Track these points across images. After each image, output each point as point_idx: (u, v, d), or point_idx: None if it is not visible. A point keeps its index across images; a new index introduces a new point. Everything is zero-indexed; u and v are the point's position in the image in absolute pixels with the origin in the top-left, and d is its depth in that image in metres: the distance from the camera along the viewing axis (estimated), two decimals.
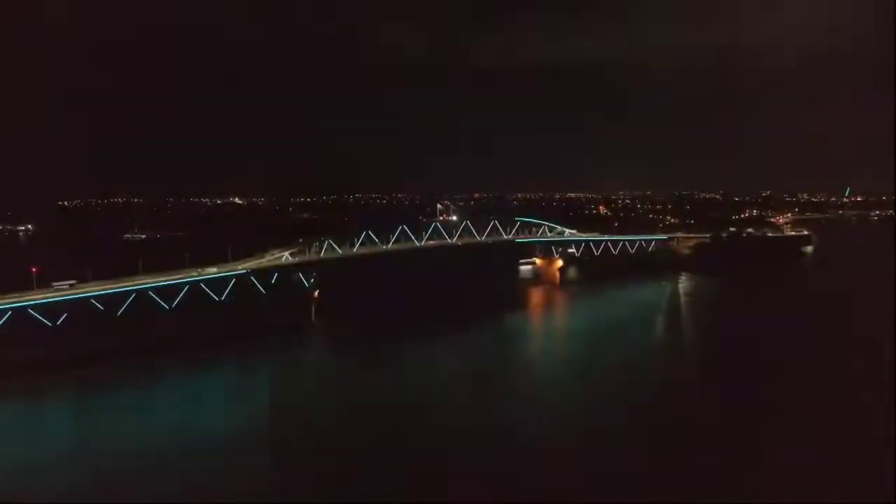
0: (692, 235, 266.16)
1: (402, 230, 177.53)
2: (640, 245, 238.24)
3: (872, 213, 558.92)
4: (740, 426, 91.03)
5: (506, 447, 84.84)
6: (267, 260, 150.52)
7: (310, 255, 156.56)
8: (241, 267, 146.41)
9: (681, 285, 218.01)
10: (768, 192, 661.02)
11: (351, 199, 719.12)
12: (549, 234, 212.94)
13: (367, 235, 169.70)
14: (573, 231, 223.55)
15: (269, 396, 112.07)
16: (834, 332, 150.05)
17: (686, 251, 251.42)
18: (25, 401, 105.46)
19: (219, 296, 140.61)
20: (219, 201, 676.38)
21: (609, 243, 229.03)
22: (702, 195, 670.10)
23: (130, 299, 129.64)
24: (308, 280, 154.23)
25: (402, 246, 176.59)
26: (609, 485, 72.67)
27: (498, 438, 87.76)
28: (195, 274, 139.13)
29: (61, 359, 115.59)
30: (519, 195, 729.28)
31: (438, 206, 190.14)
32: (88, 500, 70.58)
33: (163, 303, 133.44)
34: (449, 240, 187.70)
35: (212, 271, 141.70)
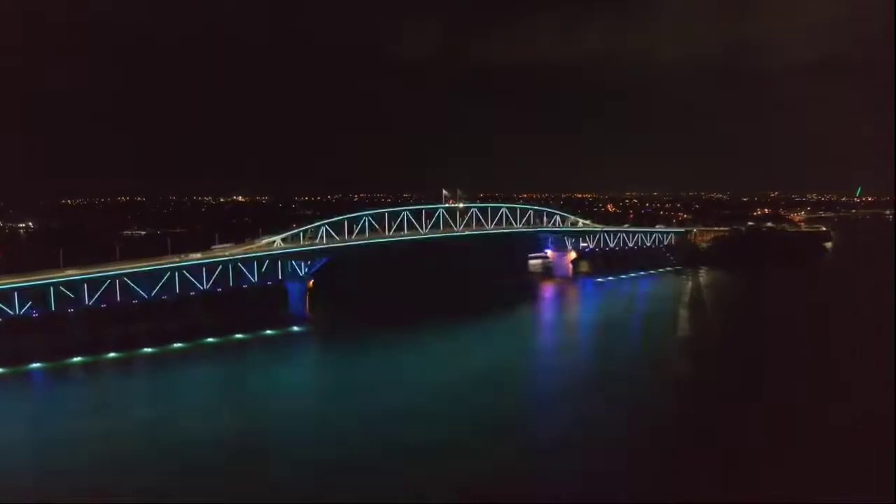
0: (710, 229, 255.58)
1: (406, 218, 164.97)
2: (657, 238, 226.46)
3: (886, 212, 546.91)
4: (741, 426, 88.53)
5: (506, 446, 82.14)
6: (257, 246, 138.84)
7: (304, 242, 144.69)
8: (229, 253, 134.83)
9: (701, 279, 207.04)
10: (776, 192, 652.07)
11: (355, 199, 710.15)
12: (561, 225, 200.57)
13: (368, 223, 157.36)
14: (587, 222, 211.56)
15: (261, 393, 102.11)
16: (850, 330, 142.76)
17: (704, 245, 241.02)
18: None
19: (203, 284, 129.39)
20: (221, 199, 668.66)
21: (624, 236, 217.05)
22: (709, 195, 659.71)
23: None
24: (302, 268, 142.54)
25: (405, 235, 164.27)
26: (609, 484, 71.33)
27: (497, 437, 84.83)
28: (177, 260, 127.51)
29: None
30: (525, 195, 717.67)
31: (444, 192, 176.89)
32: (89, 500, 67.56)
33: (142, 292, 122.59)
34: (455, 228, 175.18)
35: (195, 257, 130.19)
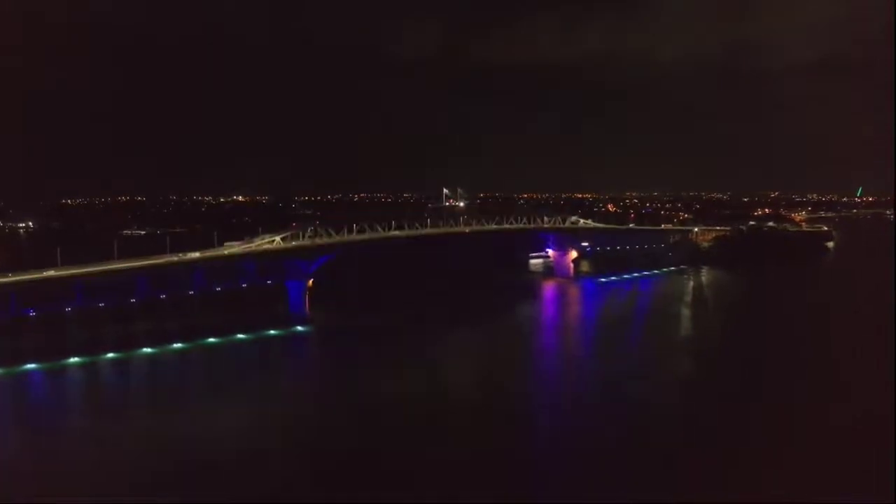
0: (712, 228, 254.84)
1: (406, 216, 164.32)
2: (659, 238, 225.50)
3: (888, 212, 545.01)
4: (741, 426, 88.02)
5: (506, 445, 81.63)
6: (256, 244, 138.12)
7: (304, 240, 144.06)
8: (228, 252, 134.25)
9: (703, 278, 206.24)
10: (777, 192, 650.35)
11: (356, 199, 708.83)
12: (562, 224, 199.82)
13: (368, 221, 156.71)
14: (588, 221, 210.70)
15: (258, 393, 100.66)
16: (851, 330, 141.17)
17: (706, 244, 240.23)
18: None
19: (201, 283, 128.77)
20: (221, 199, 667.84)
21: (626, 235, 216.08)
22: (709, 195, 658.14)
23: None
24: (302, 267, 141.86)
25: (405, 233, 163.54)
26: (609, 484, 71.00)
27: (497, 437, 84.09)
28: (175, 259, 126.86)
29: None
30: (525, 195, 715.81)
31: (444, 190, 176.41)
32: (90, 500, 67.22)
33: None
34: (456, 227, 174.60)
35: (194, 256, 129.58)
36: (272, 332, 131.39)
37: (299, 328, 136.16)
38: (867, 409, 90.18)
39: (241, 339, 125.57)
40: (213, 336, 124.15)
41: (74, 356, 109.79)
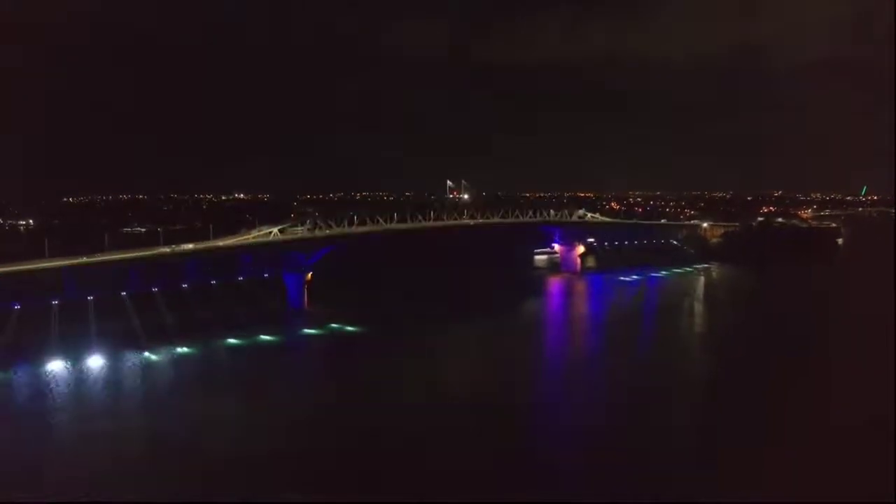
0: (720, 224, 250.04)
1: (409, 209, 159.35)
2: (666, 233, 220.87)
3: (891, 211, 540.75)
4: (741, 425, 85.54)
5: (507, 446, 78.85)
6: (253, 237, 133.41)
7: (303, 233, 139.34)
8: (223, 244, 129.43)
9: (713, 274, 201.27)
10: (780, 191, 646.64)
11: (357, 197, 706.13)
12: (569, 218, 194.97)
13: (370, 213, 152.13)
14: (595, 215, 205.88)
15: (256, 392, 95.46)
16: (855, 330, 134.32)
17: (715, 240, 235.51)
18: None
19: (195, 276, 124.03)
20: (223, 197, 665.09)
21: (633, 230, 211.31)
22: (712, 194, 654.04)
23: None
24: (301, 259, 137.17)
25: (407, 225, 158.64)
26: (610, 483, 69.20)
27: (500, 436, 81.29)
28: (167, 251, 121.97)
29: None
30: (527, 194, 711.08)
31: (449, 183, 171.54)
32: (90, 499, 64.65)
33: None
34: (459, 219, 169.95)
35: (188, 248, 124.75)
36: (308, 330, 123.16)
37: (349, 328, 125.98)
38: (867, 408, 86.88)
39: (266, 340, 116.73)
40: (232, 336, 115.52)
41: (57, 357, 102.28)
